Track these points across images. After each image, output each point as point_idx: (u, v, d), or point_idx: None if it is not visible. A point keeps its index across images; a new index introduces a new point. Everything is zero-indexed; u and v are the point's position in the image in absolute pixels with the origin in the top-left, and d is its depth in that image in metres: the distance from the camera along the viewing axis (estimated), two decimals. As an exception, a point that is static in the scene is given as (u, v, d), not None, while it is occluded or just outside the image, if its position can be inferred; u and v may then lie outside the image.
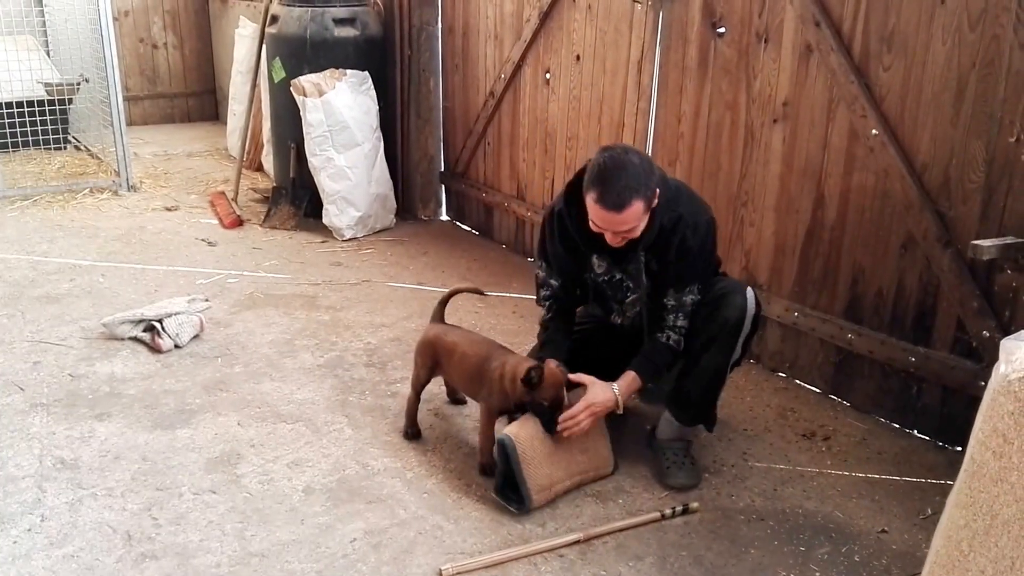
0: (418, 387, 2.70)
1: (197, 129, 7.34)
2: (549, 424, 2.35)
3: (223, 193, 5.24)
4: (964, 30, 2.45)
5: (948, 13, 2.47)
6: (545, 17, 3.97)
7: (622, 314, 2.58)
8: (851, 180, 2.80)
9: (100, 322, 3.38)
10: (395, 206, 4.88)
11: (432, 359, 2.65)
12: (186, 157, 6.43)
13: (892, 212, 2.71)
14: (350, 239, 4.63)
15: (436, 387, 2.88)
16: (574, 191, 2.36)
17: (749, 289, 2.41)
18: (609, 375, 2.46)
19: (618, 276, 2.49)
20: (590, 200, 2.21)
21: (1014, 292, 2.45)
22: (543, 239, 2.56)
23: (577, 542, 2.21)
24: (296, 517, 2.30)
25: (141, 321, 3.31)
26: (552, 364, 2.42)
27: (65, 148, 6.08)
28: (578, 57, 3.85)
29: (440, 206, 5.11)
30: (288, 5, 4.64)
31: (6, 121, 5.55)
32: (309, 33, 4.56)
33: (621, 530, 2.27)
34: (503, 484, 2.35)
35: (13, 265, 4.12)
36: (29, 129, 5.61)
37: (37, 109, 5.63)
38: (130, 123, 5.83)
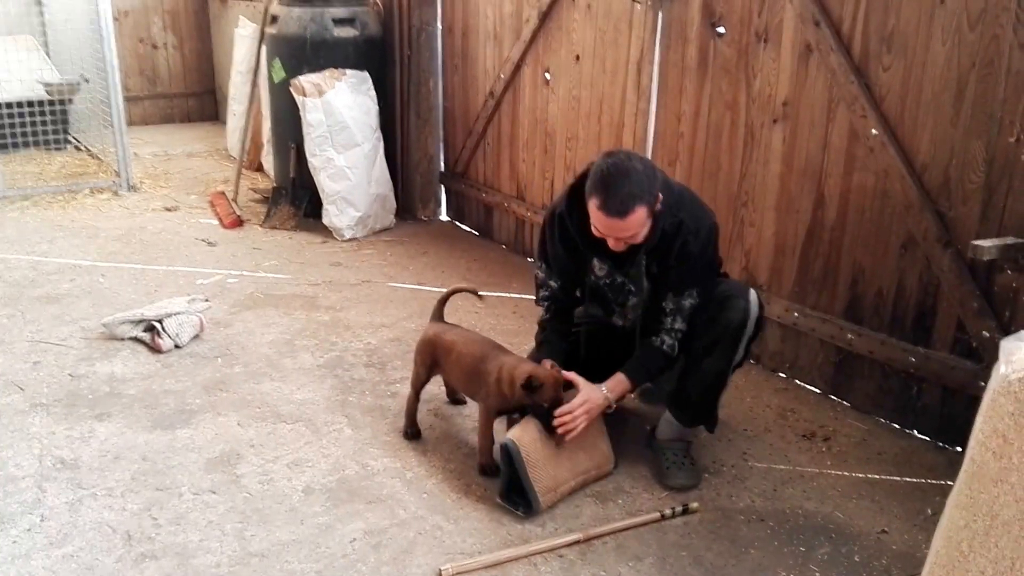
0: (417, 386, 2.70)
1: (197, 129, 7.34)
2: (550, 425, 2.35)
3: (223, 193, 5.24)
4: (964, 30, 2.45)
5: (948, 13, 2.47)
6: (544, 17, 3.97)
7: (623, 316, 2.58)
8: (851, 180, 2.80)
9: (100, 322, 3.38)
10: (395, 206, 4.88)
11: (431, 358, 2.65)
12: (186, 157, 6.43)
13: (892, 212, 2.71)
14: (350, 239, 4.63)
15: (436, 387, 2.88)
16: (576, 193, 2.36)
17: (752, 292, 2.41)
18: (609, 376, 2.46)
19: (619, 279, 2.49)
20: (593, 206, 2.21)
21: (1014, 292, 2.45)
22: (543, 240, 2.55)
23: (577, 542, 2.21)
24: (296, 517, 2.30)
25: (141, 321, 3.31)
26: (548, 364, 2.43)
27: (65, 148, 6.09)
28: (578, 57, 3.85)
29: (440, 206, 5.11)
30: (288, 5, 4.64)
31: (6, 121, 5.55)
32: (309, 33, 4.56)
33: (621, 530, 2.27)
34: (508, 488, 2.35)
35: (13, 265, 4.12)
36: (29, 129, 5.62)
37: (37, 109, 5.64)
38: (130, 123, 5.82)
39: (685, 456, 2.53)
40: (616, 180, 2.16)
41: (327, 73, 4.51)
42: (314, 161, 4.54)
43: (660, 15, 3.38)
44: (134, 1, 7.18)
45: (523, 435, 2.34)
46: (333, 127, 4.47)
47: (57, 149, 5.97)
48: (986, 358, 2.50)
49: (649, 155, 3.55)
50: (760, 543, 2.25)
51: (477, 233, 4.83)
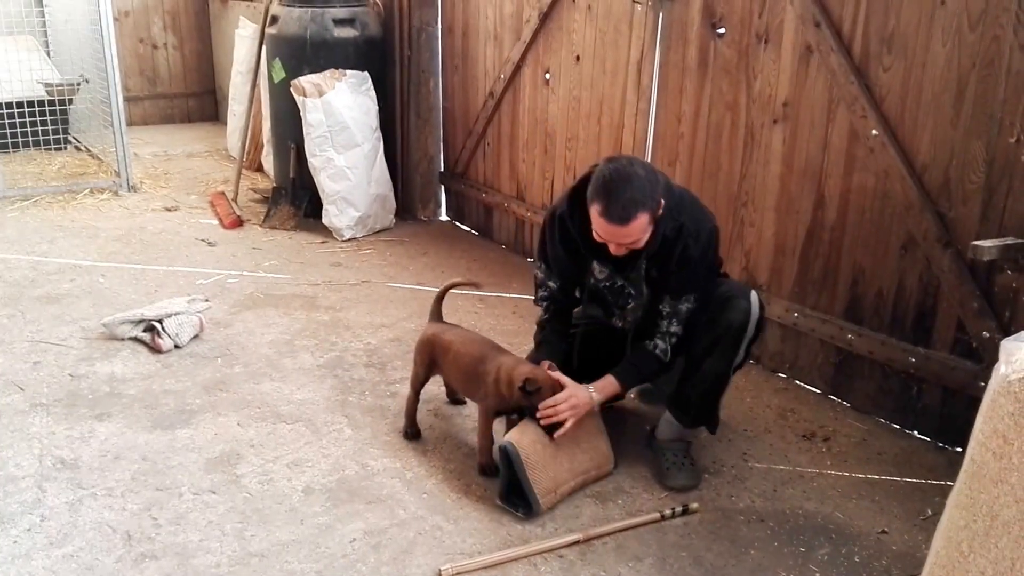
0: (417, 387, 2.70)
1: (197, 129, 7.34)
2: (549, 427, 2.35)
3: (223, 193, 5.24)
4: (964, 31, 2.45)
5: (948, 14, 2.48)
6: (545, 17, 3.97)
7: (623, 318, 2.58)
8: (851, 181, 2.80)
9: (100, 322, 3.38)
10: (395, 206, 4.88)
11: (429, 358, 2.65)
12: (186, 157, 6.43)
13: (892, 213, 2.71)
14: (350, 239, 4.63)
15: (436, 387, 2.88)
16: (577, 196, 2.35)
17: (753, 293, 2.41)
18: None
19: (619, 283, 2.49)
20: (594, 212, 2.20)
21: (1014, 293, 2.45)
22: (543, 240, 2.55)
23: (577, 543, 2.21)
24: (296, 517, 2.30)
25: (141, 321, 3.31)
26: (545, 365, 2.43)
27: (65, 148, 6.09)
28: (578, 57, 3.85)
29: (440, 206, 5.11)
30: (288, 5, 4.64)
31: (6, 121, 5.55)
32: (309, 33, 4.56)
33: (621, 531, 2.27)
34: (508, 490, 2.35)
35: (13, 265, 4.12)
36: (29, 129, 5.61)
37: (37, 109, 5.63)
38: (130, 123, 5.82)
39: (685, 456, 2.53)
40: (618, 186, 2.15)
41: (327, 73, 4.51)
42: (314, 161, 4.54)
43: (660, 16, 3.39)
44: (134, 1, 7.18)
45: (522, 437, 2.34)
46: (333, 127, 4.47)
47: (57, 149, 5.97)
48: (986, 358, 2.50)
49: (649, 156, 3.55)
50: (760, 543, 2.25)
51: (477, 233, 4.83)
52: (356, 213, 4.61)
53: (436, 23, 4.75)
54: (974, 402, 1.85)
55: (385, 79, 4.80)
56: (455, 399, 2.90)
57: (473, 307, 3.77)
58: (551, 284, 2.57)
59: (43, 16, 6.45)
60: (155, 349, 3.25)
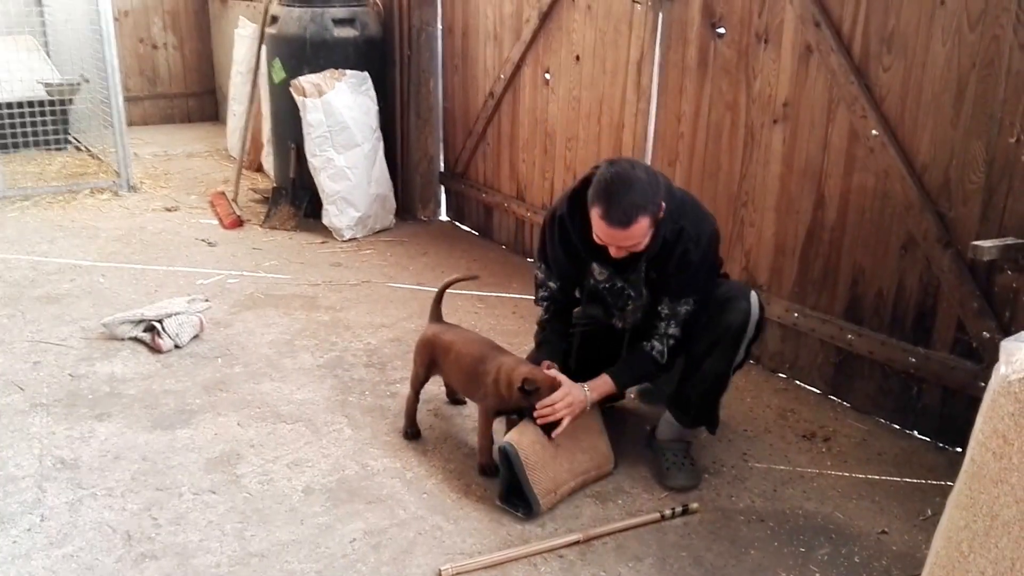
0: (417, 387, 2.70)
1: (197, 129, 7.34)
2: (548, 427, 2.35)
3: (223, 193, 5.24)
4: (964, 31, 2.45)
5: (948, 14, 2.48)
6: (545, 17, 3.97)
7: (623, 319, 2.58)
8: (851, 181, 2.80)
9: (100, 322, 3.38)
10: (395, 206, 4.88)
11: (429, 358, 2.65)
12: (186, 157, 6.43)
13: (892, 213, 2.71)
14: (350, 239, 4.63)
15: (436, 387, 2.88)
16: (577, 198, 2.35)
17: (753, 294, 2.40)
18: None
19: (619, 284, 2.49)
20: (595, 215, 2.20)
21: (1014, 293, 2.45)
22: (543, 241, 2.55)
23: (577, 543, 2.21)
24: (296, 517, 2.30)
25: (141, 321, 3.31)
26: (546, 365, 2.43)
27: (65, 148, 6.09)
28: (578, 57, 3.85)
29: (440, 206, 5.11)
30: (288, 5, 4.64)
31: (6, 121, 5.55)
32: (309, 33, 4.56)
33: (621, 531, 2.27)
34: (508, 491, 2.35)
35: (13, 265, 4.12)
36: (29, 129, 5.61)
37: (37, 109, 5.64)
38: (130, 123, 5.82)
39: (685, 457, 2.53)
40: (619, 190, 2.15)
41: (327, 73, 4.51)
42: (314, 161, 4.54)
43: (660, 16, 3.39)
44: (134, 1, 7.18)
45: (521, 438, 2.34)
46: (333, 127, 4.47)
47: (57, 149, 5.97)
48: (986, 359, 2.50)
49: (649, 156, 3.55)
50: (760, 544, 2.25)
51: (477, 233, 4.83)
52: (356, 213, 4.61)
53: (436, 23, 4.75)
54: (974, 402, 1.85)
55: (385, 79, 4.80)
56: (455, 399, 2.90)
57: (473, 307, 3.77)
58: (551, 284, 2.57)
59: (43, 16, 6.45)
60: (155, 349, 3.25)
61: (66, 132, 6.12)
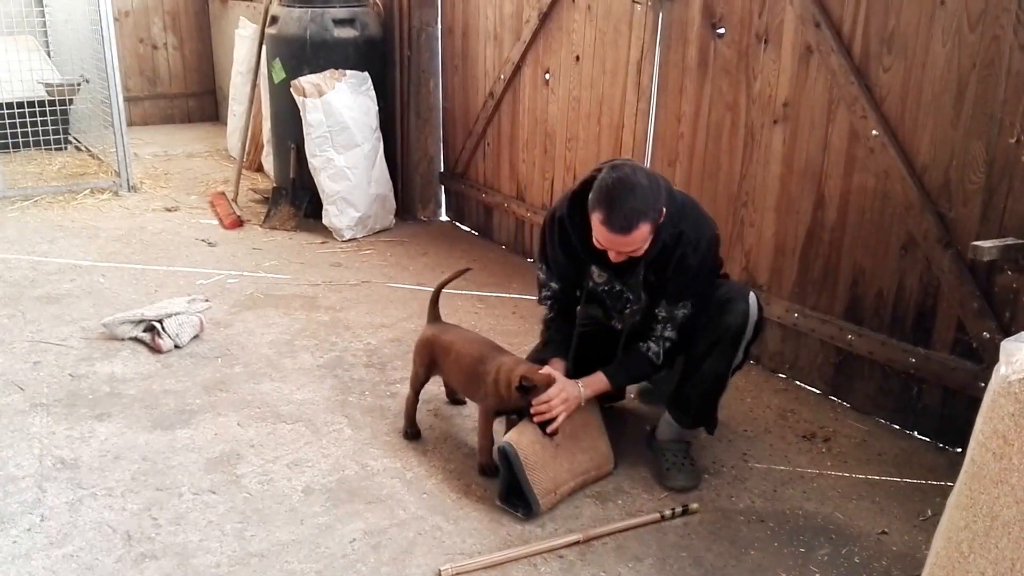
0: (417, 387, 2.70)
1: (197, 130, 7.34)
2: (546, 426, 2.34)
3: (223, 193, 5.24)
4: (964, 31, 2.45)
5: (948, 14, 2.48)
6: (544, 18, 3.98)
7: (622, 321, 2.58)
8: (851, 181, 2.80)
9: (100, 322, 3.38)
10: (395, 207, 4.88)
11: (429, 358, 2.65)
12: (186, 158, 6.43)
13: (892, 213, 2.71)
14: (350, 240, 4.63)
15: (436, 388, 2.88)
16: (577, 200, 2.34)
17: (752, 295, 2.40)
18: None
19: (618, 287, 2.49)
20: (596, 220, 2.19)
21: (1014, 293, 2.45)
22: (543, 242, 2.55)
23: (577, 543, 2.21)
24: (296, 517, 2.30)
25: (141, 321, 3.31)
26: (554, 364, 2.42)
27: (65, 148, 6.09)
28: (578, 58, 3.85)
29: (440, 207, 5.11)
30: (288, 6, 4.64)
31: (7, 121, 5.55)
32: (309, 34, 4.56)
33: (621, 531, 2.27)
34: (507, 491, 2.34)
35: (14, 265, 4.12)
36: (30, 129, 5.61)
37: (38, 109, 5.64)
38: (130, 124, 5.83)
39: (685, 457, 2.53)
40: (621, 195, 2.14)
41: (327, 74, 4.51)
42: (314, 161, 4.54)
43: (660, 16, 3.39)
44: (134, 1, 7.18)
45: (521, 438, 2.34)
46: (333, 127, 4.47)
47: (57, 149, 5.97)
48: (986, 359, 2.50)
49: (649, 156, 3.55)
50: (760, 544, 2.25)
51: (477, 233, 4.83)
52: (356, 213, 4.61)
53: (436, 23, 4.76)
54: (974, 403, 1.85)
55: (385, 79, 4.80)
56: (455, 399, 2.90)
57: (473, 307, 3.77)
58: (553, 285, 2.58)
59: (43, 16, 6.45)
60: (155, 349, 3.25)
61: (66, 132, 6.12)
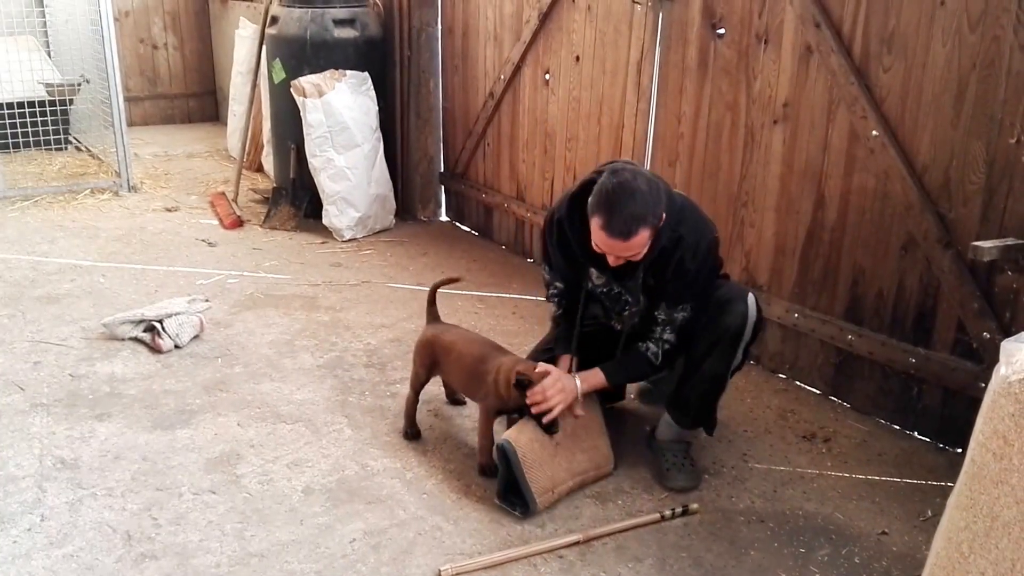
0: (417, 387, 2.70)
1: (197, 130, 7.34)
2: (547, 426, 2.35)
3: (223, 194, 5.24)
4: (964, 31, 2.45)
5: (948, 14, 2.48)
6: (545, 18, 3.98)
7: (621, 322, 2.58)
8: (851, 181, 2.80)
9: (100, 322, 3.38)
10: (395, 207, 4.88)
11: (430, 359, 2.65)
12: (186, 158, 6.43)
13: (892, 213, 2.71)
14: (350, 240, 4.63)
15: (436, 388, 2.88)
16: (576, 202, 2.34)
17: (751, 296, 2.40)
18: None
19: (616, 290, 2.50)
20: (595, 225, 2.19)
21: (1015, 293, 2.45)
22: (544, 243, 2.56)
23: (576, 543, 2.21)
24: (296, 517, 2.30)
25: (141, 321, 3.31)
26: (566, 360, 2.43)
27: (66, 149, 6.09)
28: (578, 58, 3.85)
29: (440, 207, 5.11)
30: (288, 6, 4.65)
31: (7, 121, 5.56)
32: (309, 34, 4.56)
33: (621, 531, 2.27)
34: (505, 489, 2.35)
35: (14, 265, 4.12)
36: (30, 130, 5.62)
37: (38, 110, 5.64)
38: (130, 124, 5.83)
39: (685, 457, 2.53)
40: (621, 200, 2.13)
41: (327, 74, 4.51)
42: (314, 162, 4.54)
43: (660, 16, 3.39)
44: (135, 2, 7.18)
45: (520, 436, 2.34)
46: (333, 128, 4.47)
47: (58, 149, 5.97)
48: (986, 359, 2.50)
49: (649, 156, 3.55)
50: (760, 544, 2.25)
51: (477, 234, 4.83)
52: (356, 213, 4.61)
53: (436, 23, 4.76)
54: (974, 403, 1.85)
55: (385, 79, 4.80)
56: (454, 400, 2.90)
57: (473, 307, 3.77)
58: (558, 284, 2.59)
59: (44, 16, 6.45)
60: (155, 349, 3.25)
61: (67, 132, 6.12)
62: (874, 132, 2.68)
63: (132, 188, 5.43)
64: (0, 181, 5.16)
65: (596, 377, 2.44)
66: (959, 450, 2.64)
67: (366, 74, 4.62)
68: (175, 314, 3.31)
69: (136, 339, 3.32)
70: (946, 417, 2.69)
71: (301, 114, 4.49)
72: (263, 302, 3.78)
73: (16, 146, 5.67)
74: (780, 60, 2.95)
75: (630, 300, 2.49)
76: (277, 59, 4.68)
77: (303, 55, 4.57)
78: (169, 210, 5.10)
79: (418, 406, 2.72)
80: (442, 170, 5.03)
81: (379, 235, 4.74)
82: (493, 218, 4.68)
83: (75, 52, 5.96)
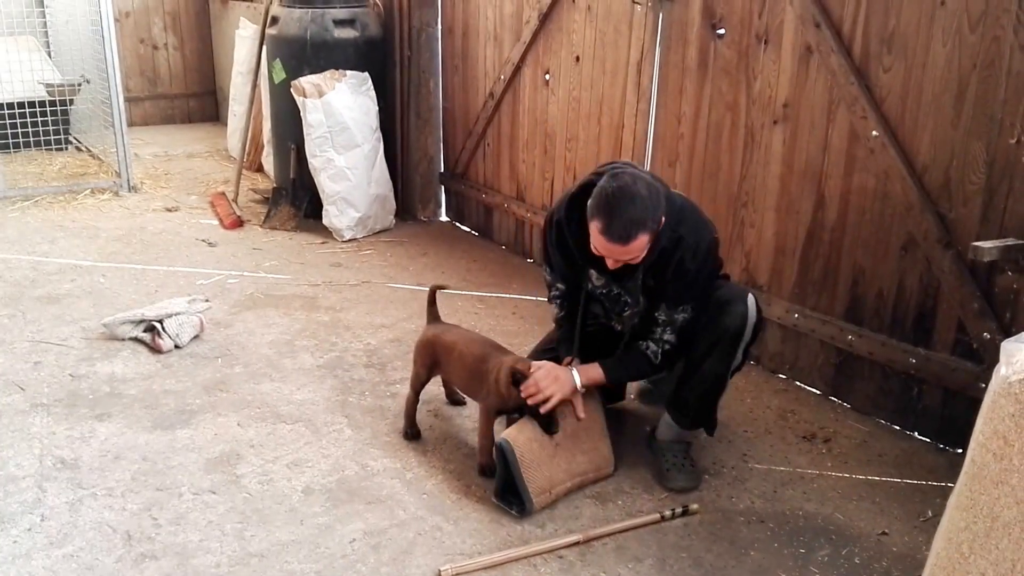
0: (417, 387, 2.70)
1: (197, 130, 7.35)
2: (547, 425, 2.35)
3: (223, 194, 5.24)
4: (964, 31, 2.45)
5: (948, 14, 2.47)
6: (545, 18, 3.98)
7: (621, 323, 2.58)
8: (851, 181, 2.80)
9: (101, 322, 3.38)
10: (395, 207, 4.88)
11: (431, 358, 2.65)
12: (186, 158, 6.43)
13: (892, 213, 2.71)
14: (350, 240, 4.63)
15: (436, 388, 2.88)
16: (576, 204, 2.34)
17: (750, 296, 2.40)
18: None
19: (616, 291, 2.50)
20: (595, 229, 2.18)
21: (1015, 294, 2.45)
22: (544, 244, 2.56)
23: (576, 543, 2.21)
24: (295, 517, 2.30)
25: (141, 321, 3.31)
26: (567, 361, 2.43)
27: (66, 149, 6.09)
28: (578, 58, 3.85)
29: (440, 207, 5.11)
30: (288, 6, 4.65)
31: (7, 122, 5.56)
32: (309, 34, 4.56)
33: (621, 531, 2.27)
34: (503, 488, 2.35)
35: (14, 265, 4.12)
36: (30, 130, 5.62)
37: (38, 110, 5.64)
38: (131, 124, 5.83)
39: (685, 457, 2.53)
40: (620, 205, 2.13)
41: (327, 74, 4.51)
42: (314, 162, 4.54)
43: (660, 16, 3.39)
44: (135, 2, 7.18)
45: (519, 435, 2.34)
46: (333, 128, 4.47)
47: (58, 149, 5.97)
48: (987, 360, 2.50)
49: (649, 156, 3.55)
50: (760, 545, 2.25)
51: (477, 234, 4.83)
52: (356, 214, 4.61)
53: (436, 24, 4.76)
54: (975, 403, 1.84)
55: (385, 79, 4.80)
56: (454, 400, 2.90)
57: (473, 307, 3.77)
58: (560, 286, 2.59)
59: (44, 17, 6.45)
60: (155, 349, 3.25)
61: (67, 132, 6.13)
62: (874, 132, 2.68)
63: (132, 188, 5.43)
64: (0, 181, 5.17)
65: (595, 371, 2.44)
66: (959, 450, 2.64)
67: (366, 74, 4.62)
68: (175, 314, 3.31)
69: (136, 339, 3.32)
70: (946, 417, 2.69)
71: (301, 114, 4.49)
72: (263, 302, 3.78)
73: (16, 146, 5.67)
74: (780, 60, 2.95)
75: (629, 301, 2.49)
76: (277, 59, 4.68)
77: (303, 55, 4.57)
78: (169, 210, 5.10)
79: (418, 406, 2.72)
80: (442, 170, 5.03)
81: (379, 235, 4.74)
82: (493, 218, 4.68)
83: (75, 52, 5.96)
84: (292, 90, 4.51)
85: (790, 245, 3.04)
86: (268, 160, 5.62)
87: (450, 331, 2.67)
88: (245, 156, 5.48)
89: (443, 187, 5.07)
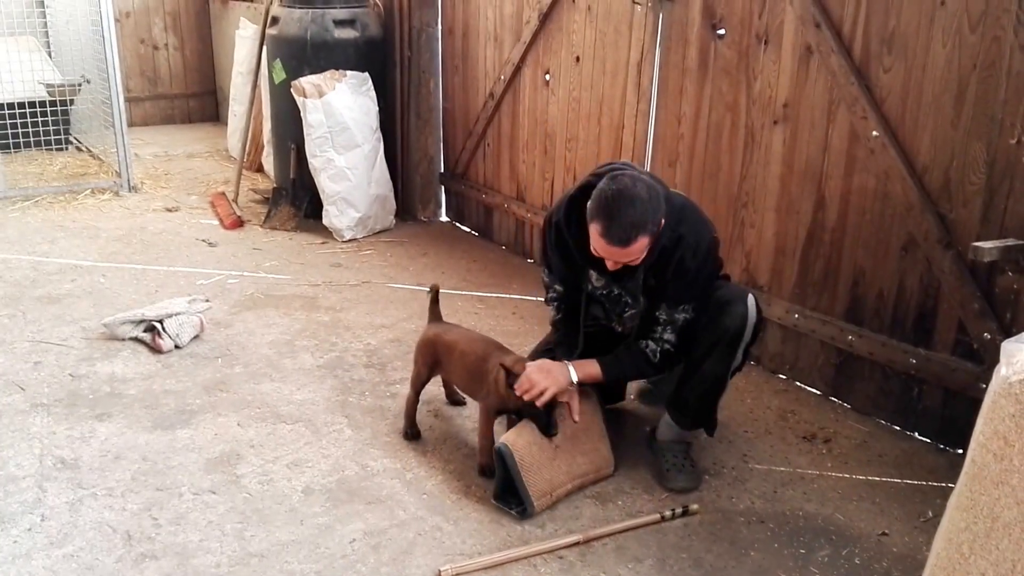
0: (418, 387, 2.70)
1: (198, 130, 7.35)
2: (545, 427, 2.34)
3: (223, 194, 5.24)
4: (964, 32, 2.45)
5: (948, 15, 2.47)
6: (545, 18, 3.98)
7: (621, 324, 2.58)
8: (852, 182, 2.80)
9: (101, 322, 3.38)
10: (395, 207, 4.88)
11: (432, 358, 2.65)
12: (187, 158, 6.43)
13: (893, 214, 2.71)
14: (350, 240, 4.63)
15: (436, 388, 2.88)
16: (575, 205, 2.34)
17: (750, 297, 2.40)
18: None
19: (616, 292, 2.49)
20: (594, 231, 2.18)
21: (1015, 294, 2.45)
22: (543, 245, 2.56)
23: (576, 544, 2.21)
24: (295, 517, 2.30)
25: (142, 321, 3.31)
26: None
27: (66, 149, 6.09)
28: (578, 58, 3.85)
29: (440, 207, 5.12)
30: (288, 6, 4.65)
31: (8, 122, 5.56)
32: (309, 34, 4.56)
33: (621, 532, 2.27)
34: (503, 490, 2.35)
35: (14, 265, 4.12)
36: (31, 130, 5.62)
37: (39, 110, 5.64)
38: (131, 124, 5.83)
39: (685, 458, 2.53)
40: (620, 208, 2.13)
41: (327, 74, 4.51)
42: (314, 162, 4.54)
43: (660, 16, 3.39)
44: (135, 2, 7.18)
45: (518, 439, 2.34)
46: (333, 128, 4.47)
47: (58, 150, 5.97)
48: (987, 360, 2.50)
49: (649, 156, 3.55)
50: (760, 545, 2.25)
51: (477, 234, 4.83)
52: (356, 214, 4.61)
53: (436, 24, 4.76)
54: (975, 404, 1.84)
55: (385, 80, 4.80)
56: (454, 400, 2.90)
57: (473, 307, 3.77)
58: (558, 287, 2.58)
59: (44, 17, 6.46)
60: (155, 349, 3.25)
61: (67, 132, 6.13)
62: (874, 132, 2.68)
63: (132, 188, 5.43)
64: (1, 181, 5.17)
65: (591, 367, 2.43)
66: (959, 451, 2.64)
67: (366, 74, 4.63)
68: (175, 314, 3.31)
69: (136, 339, 3.32)
70: (946, 418, 2.69)
71: (301, 114, 4.49)
72: (263, 302, 3.78)
73: (17, 146, 5.68)
74: (780, 60, 2.95)
75: (630, 302, 2.49)
76: (277, 59, 4.68)
77: (303, 55, 4.57)
78: (169, 210, 5.10)
79: (418, 406, 2.72)
80: (442, 170, 5.03)
81: (379, 235, 4.74)
82: (493, 218, 4.68)
83: (76, 52, 5.96)
84: (292, 90, 4.51)
85: (790, 245, 3.04)
86: (268, 160, 5.62)
87: (451, 331, 2.67)
88: (245, 156, 5.48)
89: (443, 187, 5.07)
